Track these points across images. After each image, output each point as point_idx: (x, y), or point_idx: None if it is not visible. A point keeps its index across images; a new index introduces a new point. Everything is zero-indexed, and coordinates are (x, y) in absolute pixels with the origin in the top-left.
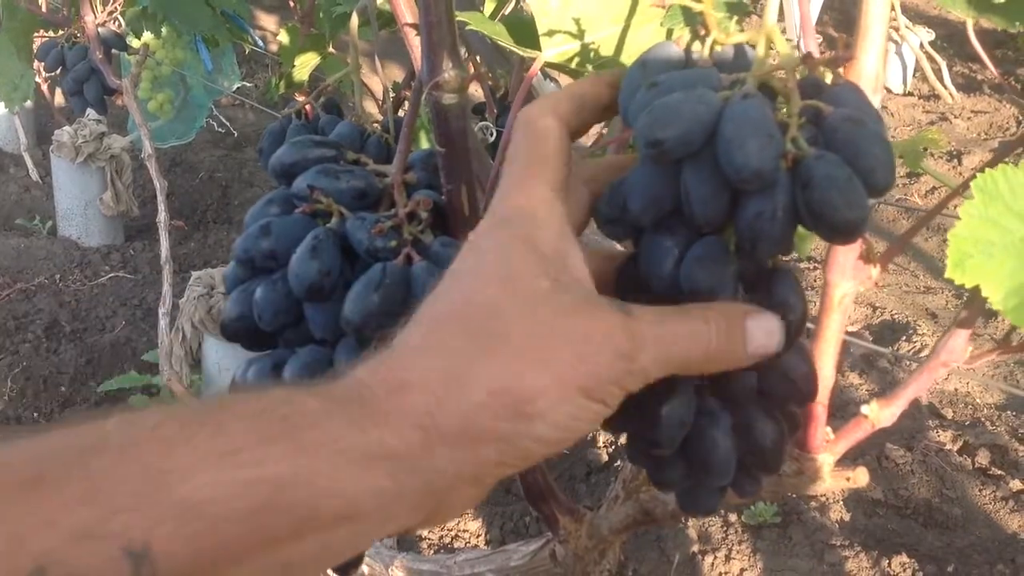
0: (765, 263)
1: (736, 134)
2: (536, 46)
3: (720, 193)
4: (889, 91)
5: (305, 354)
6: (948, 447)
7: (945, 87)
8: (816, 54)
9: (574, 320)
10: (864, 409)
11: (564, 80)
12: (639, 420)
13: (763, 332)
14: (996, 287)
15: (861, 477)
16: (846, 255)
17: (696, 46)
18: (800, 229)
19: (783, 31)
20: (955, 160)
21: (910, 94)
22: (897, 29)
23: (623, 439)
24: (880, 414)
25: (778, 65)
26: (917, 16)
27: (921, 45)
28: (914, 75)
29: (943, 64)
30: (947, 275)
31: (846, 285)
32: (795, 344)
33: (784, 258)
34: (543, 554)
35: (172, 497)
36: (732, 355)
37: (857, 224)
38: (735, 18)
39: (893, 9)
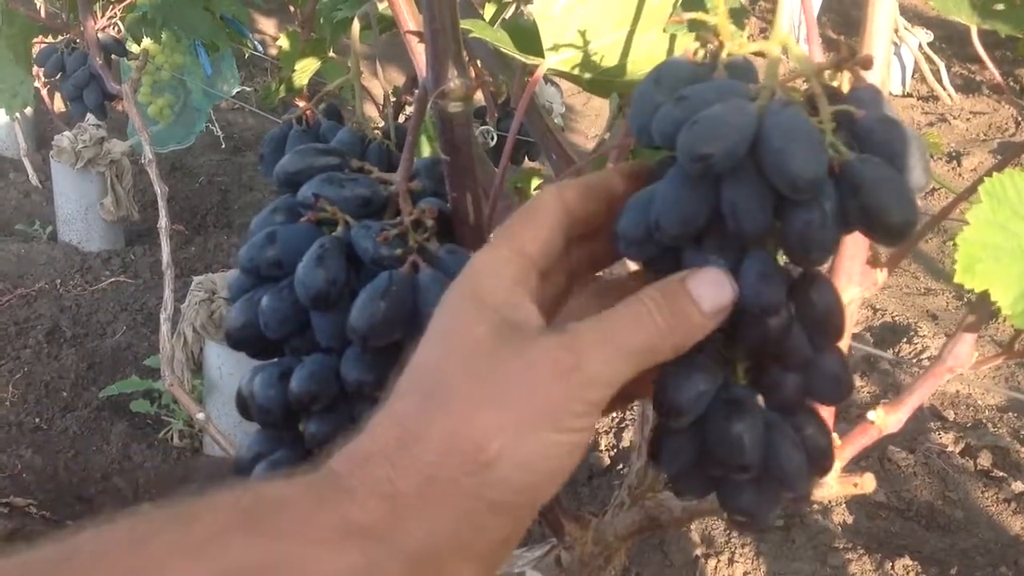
0: (812, 270)
1: (786, 145)
2: (538, 52)
3: (765, 204)
4: (888, 92)
5: (311, 362)
6: (950, 449)
7: (944, 88)
8: (820, 58)
9: (513, 357)
10: (871, 415)
11: (565, 84)
12: (715, 449)
13: (709, 286)
14: (1005, 291)
15: (868, 483)
16: (852, 261)
17: (700, 54)
18: None
19: None
20: (954, 161)
21: (909, 95)
22: (896, 30)
23: (624, 443)
24: (887, 420)
25: (800, 71)
26: (916, 17)
27: (920, 46)
28: (913, 76)
29: (942, 65)
30: (956, 279)
31: (853, 291)
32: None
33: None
34: (548, 560)
35: None
36: (690, 323)
37: (912, 223)
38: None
39: None
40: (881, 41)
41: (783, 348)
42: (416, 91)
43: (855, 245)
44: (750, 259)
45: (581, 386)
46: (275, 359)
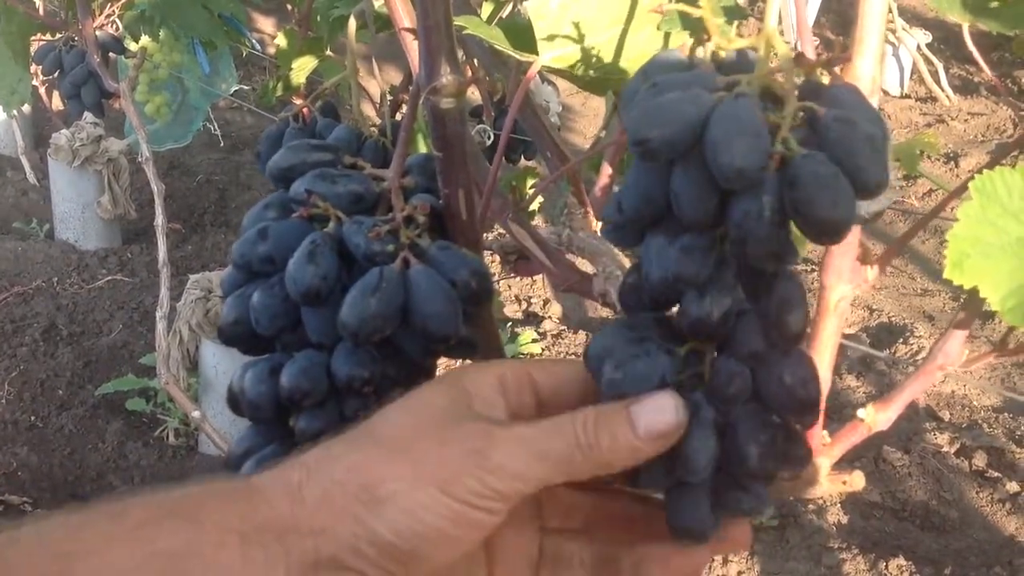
0: (764, 266)
1: (721, 134)
2: (533, 50)
3: (708, 193)
4: (886, 93)
5: (302, 358)
6: (945, 449)
7: (942, 89)
8: (812, 56)
9: (446, 427)
10: (860, 413)
11: (563, 84)
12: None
13: (651, 410)
14: (994, 288)
15: (857, 481)
16: (842, 258)
17: (699, 52)
18: (795, 231)
19: (781, 33)
20: (952, 162)
21: (907, 96)
22: (894, 31)
23: None
24: (876, 418)
25: (776, 68)
26: (914, 18)
27: (918, 47)
28: (911, 77)
29: (940, 66)
30: (946, 275)
31: (843, 288)
32: (796, 351)
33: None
34: None
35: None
36: (617, 443)
37: (842, 223)
38: (735, 23)
39: (890, 11)
40: (872, 39)
41: (727, 335)
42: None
43: (845, 242)
44: (682, 236)
45: (482, 469)
46: (266, 355)
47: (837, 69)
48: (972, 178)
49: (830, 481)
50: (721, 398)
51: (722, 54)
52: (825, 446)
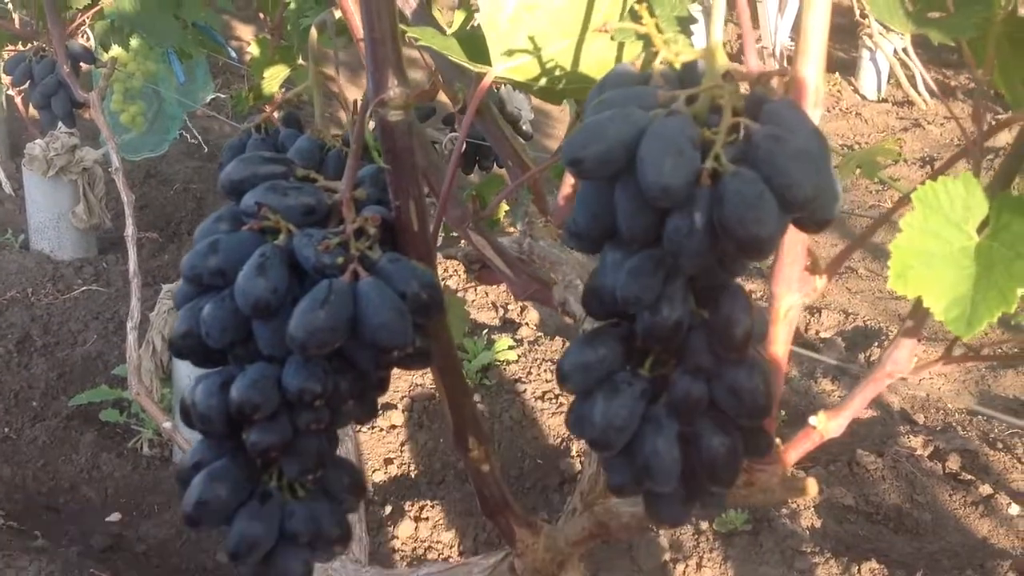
0: (703, 279)
1: (648, 152)
2: (489, 60)
3: (645, 209)
4: (864, 98)
5: (253, 371)
6: (919, 452)
7: (919, 93)
8: (764, 66)
9: None
10: (812, 420)
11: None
12: (586, 421)
13: None
14: (938, 297)
15: (811, 488)
16: (791, 268)
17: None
18: None
19: (758, 39)
20: (928, 166)
21: (884, 100)
22: (871, 35)
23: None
24: (828, 425)
25: (718, 83)
26: None
27: (895, 51)
28: (888, 81)
29: (917, 71)
30: (889, 285)
31: (791, 298)
32: (746, 359)
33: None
34: (503, 567)
35: None
36: None
37: (763, 240)
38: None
39: (867, 16)
40: (815, 50)
41: (678, 349)
42: None
43: (793, 252)
44: (631, 257)
45: None
46: (218, 368)
47: (784, 79)
48: (914, 188)
49: (783, 489)
50: (680, 409)
51: (670, 67)
52: (779, 453)
